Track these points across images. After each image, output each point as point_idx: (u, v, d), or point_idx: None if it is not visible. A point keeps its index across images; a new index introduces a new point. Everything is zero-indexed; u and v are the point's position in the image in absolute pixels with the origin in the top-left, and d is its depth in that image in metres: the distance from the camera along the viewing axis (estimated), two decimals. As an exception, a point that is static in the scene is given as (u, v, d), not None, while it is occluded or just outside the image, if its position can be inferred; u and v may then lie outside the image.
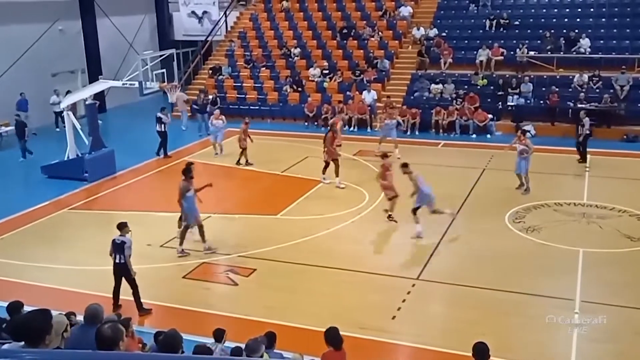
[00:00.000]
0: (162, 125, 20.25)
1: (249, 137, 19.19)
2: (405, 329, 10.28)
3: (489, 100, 23.46)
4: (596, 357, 9.57)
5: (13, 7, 23.59)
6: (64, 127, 19.46)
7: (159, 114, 20.28)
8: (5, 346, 4.75)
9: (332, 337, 7.51)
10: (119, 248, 10.57)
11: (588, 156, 18.76)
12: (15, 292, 10.42)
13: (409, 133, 22.88)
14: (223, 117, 20.74)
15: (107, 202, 16.71)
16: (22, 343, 4.20)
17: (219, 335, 8.04)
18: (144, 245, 12.69)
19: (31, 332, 4.17)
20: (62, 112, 19.67)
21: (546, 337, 9.81)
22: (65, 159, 18.36)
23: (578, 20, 25.72)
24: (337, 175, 16.85)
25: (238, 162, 19.21)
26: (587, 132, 18.72)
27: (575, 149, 19.04)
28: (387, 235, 14.27)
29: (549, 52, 24.11)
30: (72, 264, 12.71)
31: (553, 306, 10.64)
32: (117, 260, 10.62)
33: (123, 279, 10.72)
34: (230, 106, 26.05)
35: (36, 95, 23.85)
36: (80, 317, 6.67)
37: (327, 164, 17.05)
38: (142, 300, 10.76)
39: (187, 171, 13.07)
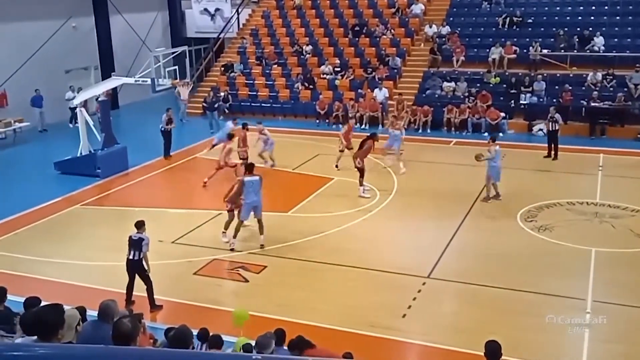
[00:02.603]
0: (171, 126, 20.15)
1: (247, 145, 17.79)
2: (416, 328, 10.26)
3: (501, 98, 23.35)
4: (608, 357, 9.51)
5: (27, 4, 23.72)
6: (77, 123, 19.58)
7: (169, 116, 20.15)
8: (18, 340, 4.79)
9: (303, 342, 7.50)
10: (135, 244, 10.65)
11: (602, 155, 18.65)
12: (27, 287, 10.51)
13: (420, 131, 22.83)
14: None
15: (119, 199, 16.80)
16: (35, 337, 4.23)
17: (203, 336, 8.08)
18: (155, 241, 12.64)
19: (43, 326, 4.21)
20: (76, 108, 19.80)
21: (557, 337, 9.75)
22: (78, 155, 18.48)
23: (592, 18, 25.51)
24: (360, 185, 16.17)
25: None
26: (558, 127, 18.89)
27: (547, 145, 19.19)
28: (398, 233, 14.26)
29: (562, 51, 23.95)
30: (83, 259, 12.78)
31: (564, 306, 10.60)
32: (131, 257, 10.69)
33: (137, 275, 10.79)
34: (242, 103, 26.18)
35: (49, 92, 24.01)
36: (90, 312, 6.72)
37: (362, 172, 16.09)
38: (154, 297, 10.83)
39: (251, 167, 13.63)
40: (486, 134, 22.11)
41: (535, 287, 11.26)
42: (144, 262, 10.74)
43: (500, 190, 15.77)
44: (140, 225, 10.84)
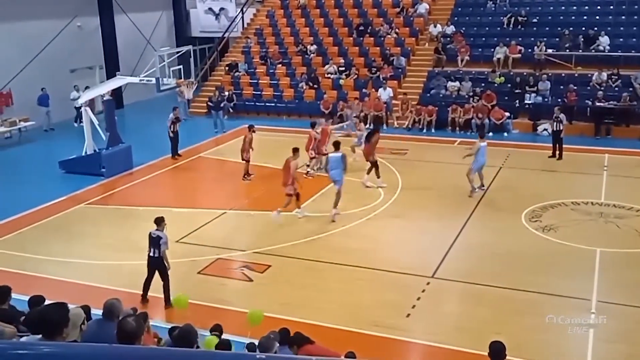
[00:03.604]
0: (177, 125, 20.13)
1: (252, 148, 17.71)
2: (420, 327, 10.27)
3: (506, 98, 23.30)
4: (612, 358, 9.48)
5: (32, 4, 23.77)
6: (82, 123, 19.61)
7: (177, 115, 20.07)
8: (23, 339, 4.80)
9: (301, 338, 7.61)
10: (154, 242, 10.68)
11: (607, 155, 18.60)
12: (32, 286, 10.53)
13: (425, 131, 22.83)
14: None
15: (124, 198, 16.83)
16: (40, 336, 4.24)
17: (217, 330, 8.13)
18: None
19: (48, 325, 4.22)
20: (81, 107, 19.84)
21: (561, 337, 9.72)
22: (83, 154, 18.52)
23: (597, 17, 25.43)
24: (378, 177, 16.76)
25: (244, 177, 17.74)
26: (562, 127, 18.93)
27: (551, 145, 19.23)
28: (402, 232, 14.24)
29: (567, 50, 23.87)
30: (88, 258, 12.80)
31: (569, 306, 10.58)
32: (151, 254, 10.73)
33: (157, 272, 10.82)
34: (247, 103, 26.20)
35: (54, 92, 24.06)
36: (95, 311, 6.74)
37: (373, 165, 16.68)
38: (170, 294, 10.86)
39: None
40: (491, 134, 22.10)
41: (539, 287, 11.23)
42: (164, 260, 10.77)
43: (503, 189, 15.73)
44: (159, 221, 10.81)
